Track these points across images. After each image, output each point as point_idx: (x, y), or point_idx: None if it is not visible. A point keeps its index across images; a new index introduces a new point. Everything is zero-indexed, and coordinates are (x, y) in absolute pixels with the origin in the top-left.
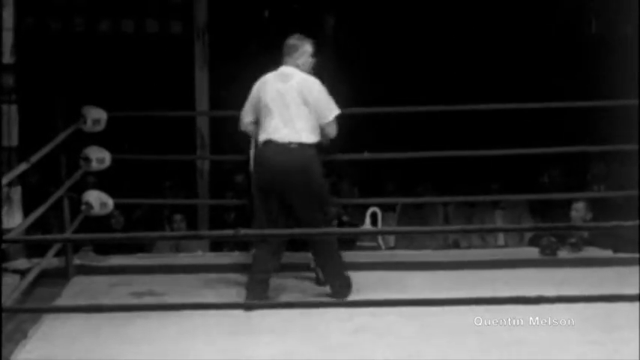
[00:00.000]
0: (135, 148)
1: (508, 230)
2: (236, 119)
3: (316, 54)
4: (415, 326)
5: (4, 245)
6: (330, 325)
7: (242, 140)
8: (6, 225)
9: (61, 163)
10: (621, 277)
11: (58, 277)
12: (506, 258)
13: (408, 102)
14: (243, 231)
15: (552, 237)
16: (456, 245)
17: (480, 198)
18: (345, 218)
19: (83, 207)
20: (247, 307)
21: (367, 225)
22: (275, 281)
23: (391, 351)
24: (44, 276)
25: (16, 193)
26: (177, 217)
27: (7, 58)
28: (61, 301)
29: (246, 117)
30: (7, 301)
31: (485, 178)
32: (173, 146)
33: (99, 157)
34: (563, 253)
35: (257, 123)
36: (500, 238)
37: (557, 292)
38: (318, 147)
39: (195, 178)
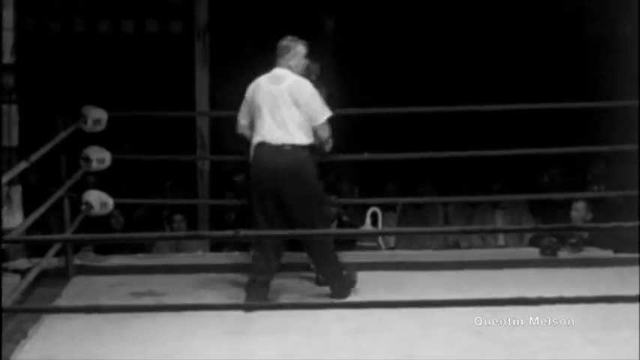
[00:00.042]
0: (135, 148)
1: (508, 231)
2: (236, 119)
3: (310, 55)
4: (414, 326)
5: (4, 245)
6: (330, 325)
7: (242, 140)
8: (6, 225)
9: (61, 163)
10: (621, 277)
11: (58, 277)
12: (506, 258)
13: (408, 103)
14: (243, 232)
15: (553, 237)
16: (456, 245)
17: (481, 198)
18: (345, 218)
19: (83, 207)
20: (247, 308)
21: (367, 225)
22: (275, 281)
23: (391, 351)
24: (44, 276)
25: (16, 192)
26: (178, 217)
27: (8, 58)
28: (60, 301)
29: (242, 119)
30: (7, 301)
31: (486, 179)
32: (173, 146)
33: (99, 157)
34: (564, 254)
35: (252, 125)
36: (501, 238)
37: (557, 292)
38: (311, 148)
39: (195, 178)
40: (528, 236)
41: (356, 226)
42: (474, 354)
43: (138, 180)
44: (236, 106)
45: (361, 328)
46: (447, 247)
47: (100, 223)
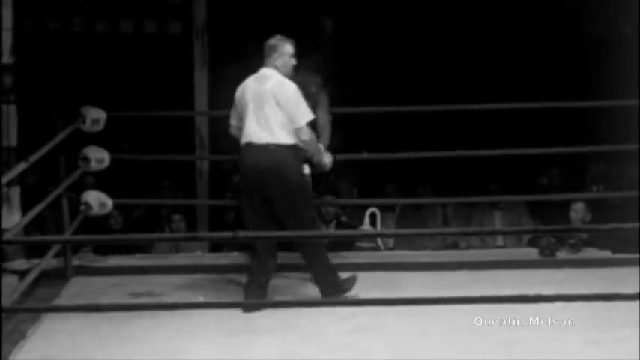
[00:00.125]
0: (134, 149)
1: (507, 232)
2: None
3: (310, 66)
4: (414, 326)
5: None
6: (329, 325)
7: (238, 141)
8: (5, 225)
9: (60, 164)
10: (620, 277)
11: (57, 277)
12: (505, 259)
13: (407, 102)
14: (242, 233)
15: (551, 238)
16: (455, 246)
17: (479, 199)
18: (344, 219)
19: (82, 207)
20: (246, 307)
21: (366, 225)
22: (273, 281)
23: (390, 351)
24: (43, 276)
25: (15, 193)
26: (177, 217)
27: (6, 59)
28: (59, 302)
29: (232, 120)
30: (7, 302)
31: (484, 179)
32: (172, 146)
33: (98, 158)
34: (562, 254)
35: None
36: (499, 238)
37: (556, 292)
38: (296, 148)
39: (194, 179)
40: (527, 237)
41: (355, 226)
42: (473, 354)
43: (137, 180)
44: None
45: (360, 327)
46: (446, 247)
47: (99, 223)
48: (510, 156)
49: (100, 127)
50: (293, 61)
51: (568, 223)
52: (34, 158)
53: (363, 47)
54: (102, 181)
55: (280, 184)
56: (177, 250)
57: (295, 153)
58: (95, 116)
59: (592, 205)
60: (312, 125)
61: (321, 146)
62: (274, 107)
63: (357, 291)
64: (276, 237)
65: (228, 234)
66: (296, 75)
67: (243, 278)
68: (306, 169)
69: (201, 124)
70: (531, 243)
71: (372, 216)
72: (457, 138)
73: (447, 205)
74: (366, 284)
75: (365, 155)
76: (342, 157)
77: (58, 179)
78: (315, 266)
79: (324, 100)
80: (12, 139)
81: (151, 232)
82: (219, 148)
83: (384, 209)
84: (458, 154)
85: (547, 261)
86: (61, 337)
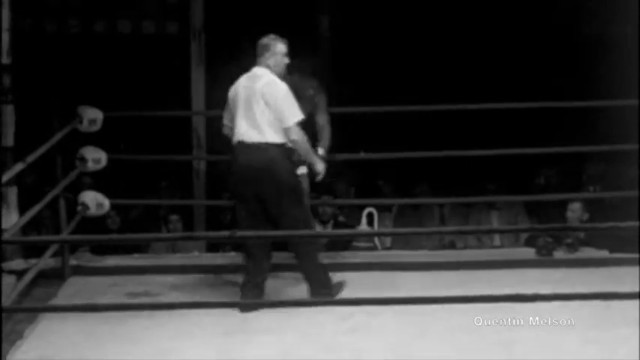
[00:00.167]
0: (131, 149)
1: (504, 232)
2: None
3: (307, 69)
4: (412, 326)
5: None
6: (327, 325)
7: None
8: (2, 225)
9: (57, 164)
10: (617, 277)
11: (55, 277)
12: (502, 258)
13: (404, 102)
14: (239, 232)
15: (548, 237)
16: (452, 246)
17: (476, 199)
18: (341, 219)
19: (79, 208)
20: (243, 307)
21: (363, 225)
22: (270, 281)
23: (388, 351)
24: (40, 276)
25: (12, 193)
26: (174, 217)
27: (4, 59)
28: (57, 302)
29: (225, 120)
30: (4, 302)
31: (482, 179)
32: (169, 146)
33: (95, 158)
34: (560, 254)
35: None
36: (496, 238)
37: (553, 291)
38: (286, 147)
39: (191, 179)
40: (524, 236)
41: (352, 226)
42: (473, 354)
43: (134, 180)
44: None
45: (358, 327)
46: (443, 247)
47: (96, 223)
48: (507, 156)
49: (97, 127)
50: (286, 60)
51: (565, 222)
52: (30, 158)
53: (359, 47)
54: (99, 181)
55: (272, 182)
56: (174, 250)
57: (285, 152)
58: (92, 116)
59: (589, 205)
60: (312, 127)
61: (321, 150)
62: (263, 106)
63: (353, 292)
64: (271, 236)
65: (225, 233)
66: (292, 77)
67: (240, 278)
68: (303, 169)
69: (199, 124)
70: (528, 243)
71: (370, 216)
72: (454, 138)
73: (444, 205)
74: (363, 284)
75: (362, 155)
76: (339, 157)
77: (55, 179)
78: (307, 265)
79: (322, 102)
80: (9, 139)
81: (148, 233)
82: (217, 148)
83: (382, 209)
84: (455, 154)
85: (544, 261)
86: (58, 337)
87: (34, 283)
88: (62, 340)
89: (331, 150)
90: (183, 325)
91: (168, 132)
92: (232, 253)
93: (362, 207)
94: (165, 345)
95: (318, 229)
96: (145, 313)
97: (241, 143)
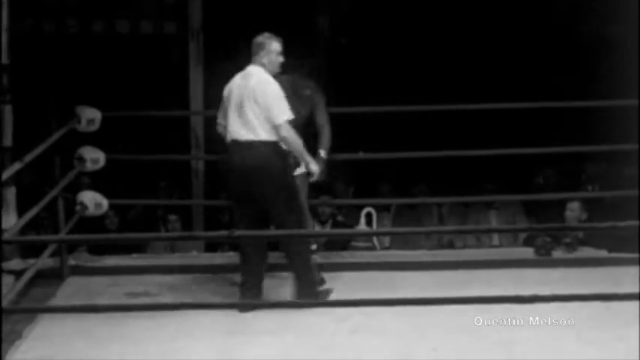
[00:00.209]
0: (129, 148)
1: (503, 231)
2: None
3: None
4: (412, 326)
5: None
6: (327, 325)
7: None
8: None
9: (55, 164)
10: (616, 276)
11: (53, 277)
12: (501, 258)
13: (403, 102)
14: (237, 232)
15: (547, 237)
16: (451, 245)
17: (475, 198)
18: (339, 218)
19: (78, 207)
20: (242, 307)
21: (362, 225)
22: (269, 282)
23: (387, 350)
24: (39, 276)
25: (11, 193)
26: (172, 217)
27: (3, 59)
28: (55, 302)
29: (219, 118)
30: (3, 302)
31: (480, 179)
32: (168, 146)
33: (93, 158)
34: (558, 253)
35: None
36: (495, 238)
37: (552, 291)
38: (278, 145)
39: (190, 178)
40: (522, 236)
41: (350, 226)
42: (472, 354)
43: (132, 180)
44: None
45: (358, 327)
46: (442, 247)
47: (95, 223)
48: (506, 155)
49: (95, 127)
50: (280, 59)
51: (563, 222)
52: (29, 158)
53: (358, 47)
54: (97, 181)
55: (264, 180)
56: (172, 250)
57: (278, 150)
58: (90, 116)
59: (588, 205)
60: (312, 128)
61: (323, 152)
62: (253, 104)
63: (352, 292)
64: (270, 236)
65: (223, 233)
66: (290, 77)
67: (238, 278)
68: (302, 169)
69: (197, 124)
70: (527, 242)
71: (368, 215)
72: (453, 137)
73: (442, 205)
74: (362, 284)
75: (361, 155)
76: (338, 157)
77: (53, 179)
78: (298, 265)
79: (321, 102)
80: (7, 140)
81: (147, 232)
82: (215, 147)
83: (380, 209)
84: (453, 154)
85: (543, 260)
86: (57, 337)
87: (32, 283)
88: (61, 340)
89: (330, 150)
90: (183, 325)
91: (166, 132)
92: (231, 253)
93: (360, 207)
94: (164, 345)
95: (317, 228)
96: (145, 313)
97: (235, 141)
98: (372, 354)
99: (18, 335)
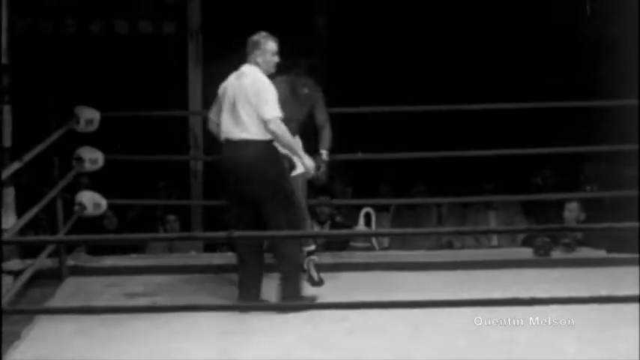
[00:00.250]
0: (128, 149)
1: (502, 232)
2: None
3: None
4: (410, 326)
5: None
6: (325, 326)
7: None
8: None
9: (54, 164)
10: (615, 277)
11: (52, 277)
12: (500, 258)
13: (402, 102)
14: (236, 233)
15: (546, 237)
16: (450, 246)
17: (474, 199)
18: (338, 219)
19: (76, 208)
20: (241, 309)
21: (361, 225)
22: (267, 282)
23: (385, 351)
24: (38, 277)
25: (10, 194)
26: (171, 217)
27: (2, 59)
28: (54, 302)
29: (211, 115)
30: (2, 302)
31: (479, 179)
32: (166, 147)
33: (92, 158)
34: (557, 254)
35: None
36: (494, 238)
37: (551, 292)
38: (271, 143)
39: (188, 179)
40: (521, 236)
41: (349, 226)
42: (473, 354)
43: (131, 180)
44: None
45: (356, 328)
46: (441, 247)
47: (93, 223)
48: (505, 156)
49: (93, 128)
50: (276, 59)
51: (562, 222)
52: (27, 158)
53: (356, 47)
54: (96, 181)
55: (256, 179)
56: (171, 251)
57: (270, 149)
58: (89, 116)
59: (586, 205)
60: (312, 127)
61: (324, 152)
62: (246, 104)
63: (350, 292)
64: (269, 237)
65: (222, 234)
66: (288, 77)
67: (237, 278)
68: (300, 169)
69: (196, 124)
70: (526, 243)
71: (367, 216)
72: (452, 138)
73: (441, 205)
74: (360, 284)
75: (359, 155)
76: (336, 157)
77: (52, 180)
78: (287, 266)
79: (320, 101)
80: (6, 140)
81: (146, 233)
82: (214, 148)
83: (379, 209)
84: (452, 154)
85: (542, 260)
86: (55, 337)
87: (31, 283)
88: (60, 341)
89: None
90: (182, 326)
91: (165, 132)
92: (229, 253)
93: (359, 207)
94: (163, 345)
95: (316, 229)
96: (144, 313)
97: (229, 141)
98: (371, 354)
99: (17, 335)
